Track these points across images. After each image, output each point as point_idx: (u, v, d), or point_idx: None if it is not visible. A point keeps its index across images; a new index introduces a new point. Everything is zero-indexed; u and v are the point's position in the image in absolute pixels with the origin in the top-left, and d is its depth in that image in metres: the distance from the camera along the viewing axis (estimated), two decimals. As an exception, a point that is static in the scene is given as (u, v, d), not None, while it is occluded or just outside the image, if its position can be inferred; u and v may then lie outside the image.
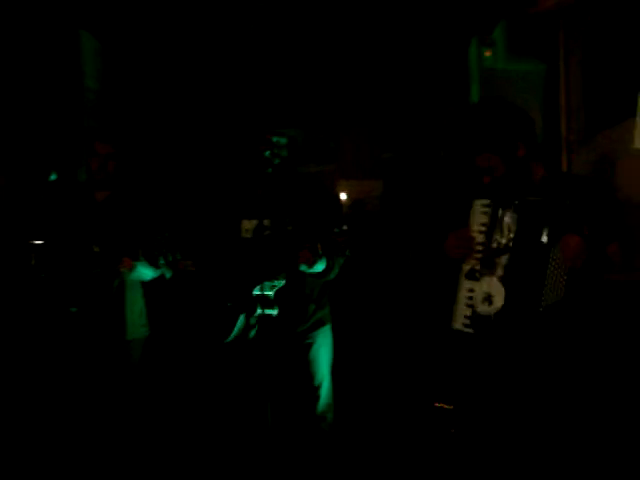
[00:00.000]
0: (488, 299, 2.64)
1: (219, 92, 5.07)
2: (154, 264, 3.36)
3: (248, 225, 3.46)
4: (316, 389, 3.50)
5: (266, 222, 3.41)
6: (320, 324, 3.53)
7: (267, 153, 3.39)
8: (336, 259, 3.26)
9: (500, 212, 2.70)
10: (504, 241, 2.69)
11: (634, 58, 3.15)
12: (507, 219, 2.68)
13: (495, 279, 2.64)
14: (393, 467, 3.77)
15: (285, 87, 5.58)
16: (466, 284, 2.75)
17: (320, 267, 3.19)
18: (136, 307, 3.73)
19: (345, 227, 3.11)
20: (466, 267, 2.75)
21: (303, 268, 3.17)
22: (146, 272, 3.49)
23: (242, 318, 3.35)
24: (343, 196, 7.82)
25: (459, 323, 2.74)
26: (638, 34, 3.14)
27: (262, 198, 3.50)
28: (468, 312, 2.71)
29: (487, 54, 5.59)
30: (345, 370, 3.85)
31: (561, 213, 2.60)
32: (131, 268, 3.44)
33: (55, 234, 3.63)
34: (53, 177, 3.81)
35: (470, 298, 2.72)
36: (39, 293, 3.59)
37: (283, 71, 5.58)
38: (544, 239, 2.60)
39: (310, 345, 3.49)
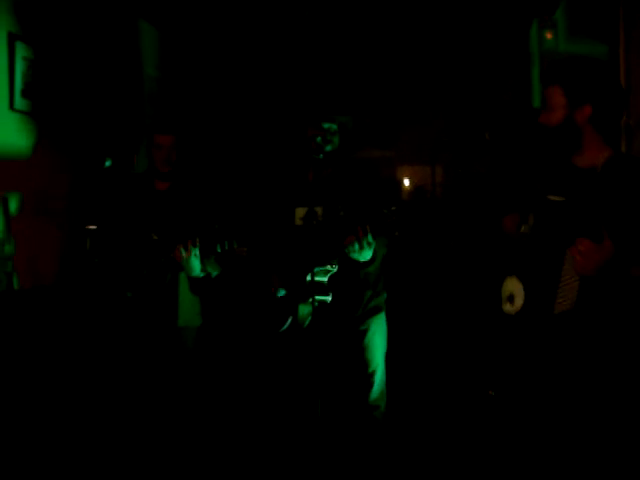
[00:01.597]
0: (510, 299, 2.59)
1: (275, 79, 5.08)
2: (209, 253, 3.39)
3: (301, 212, 3.47)
4: (370, 376, 3.50)
5: (318, 209, 3.41)
6: (376, 311, 3.53)
7: (318, 139, 3.38)
8: (382, 239, 3.21)
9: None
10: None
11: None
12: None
13: (516, 279, 2.58)
14: (443, 457, 3.75)
15: (343, 72, 5.55)
16: None
17: (368, 255, 3.17)
18: (188, 296, 3.76)
19: (394, 208, 3.06)
20: None
21: (352, 254, 3.15)
22: (195, 265, 3.46)
23: (298, 307, 3.36)
24: (405, 182, 7.75)
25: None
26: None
27: (314, 185, 3.50)
28: None
29: (548, 36, 5.47)
30: (400, 358, 3.84)
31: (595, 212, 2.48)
32: (183, 257, 3.46)
33: (110, 220, 3.68)
34: (108, 164, 3.88)
35: None
36: (94, 277, 3.65)
37: (341, 55, 5.55)
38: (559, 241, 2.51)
39: (365, 332, 3.49)
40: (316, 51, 5.50)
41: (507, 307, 2.60)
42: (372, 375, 3.52)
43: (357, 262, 3.20)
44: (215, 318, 4.04)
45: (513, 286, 2.58)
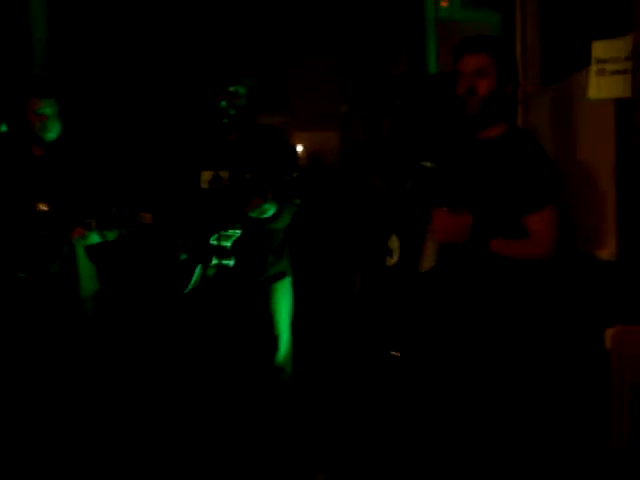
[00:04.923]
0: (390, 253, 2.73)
1: (176, 41, 4.98)
2: (107, 235, 3.33)
3: (207, 176, 3.45)
4: (275, 339, 3.53)
5: (223, 173, 3.40)
6: (280, 276, 3.56)
7: (223, 103, 3.36)
8: (286, 206, 3.26)
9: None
10: None
11: (589, 6, 3.16)
12: None
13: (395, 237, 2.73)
14: (349, 417, 3.83)
15: (237, 37, 5.49)
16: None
17: (270, 212, 3.20)
18: (86, 264, 3.67)
19: (295, 174, 3.12)
20: None
21: (254, 215, 3.18)
22: (94, 239, 3.44)
23: (199, 269, 3.35)
24: (299, 148, 7.77)
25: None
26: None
27: (220, 149, 3.48)
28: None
29: (443, 4, 5.57)
30: (305, 322, 3.88)
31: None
32: (83, 238, 3.39)
33: (6, 187, 3.53)
34: (3, 129, 3.71)
35: None
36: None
37: (234, 19, 5.49)
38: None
39: (270, 296, 3.51)
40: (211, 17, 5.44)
41: (388, 261, 2.75)
42: (277, 338, 3.55)
43: (259, 220, 3.22)
44: (113, 283, 3.98)
45: (393, 243, 2.74)
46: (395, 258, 2.70)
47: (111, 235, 3.40)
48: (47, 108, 3.46)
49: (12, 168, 3.55)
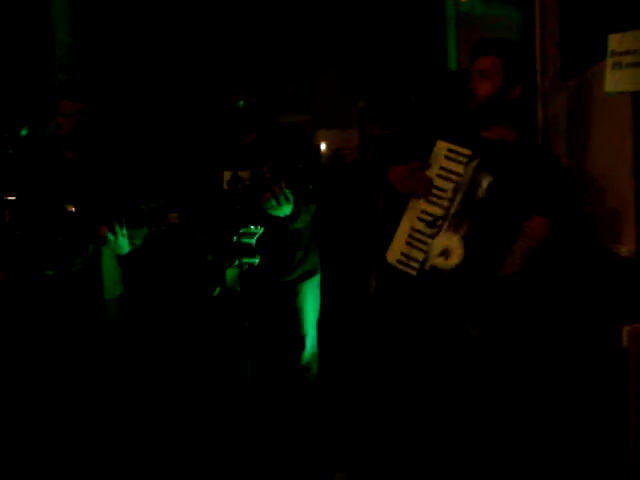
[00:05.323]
0: (445, 254, 2.66)
1: (195, 43, 5.01)
2: (135, 236, 3.33)
3: (227, 176, 3.46)
4: (302, 339, 3.54)
5: (243, 173, 3.41)
6: (309, 274, 3.56)
7: (240, 103, 3.38)
8: (303, 203, 3.24)
9: (477, 168, 2.70)
10: (474, 199, 2.68)
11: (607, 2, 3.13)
12: (483, 179, 2.68)
13: (457, 237, 2.65)
14: (374, 418, 3.83)
15: (257, 36, 5.51)
16: (415, 224, 2.76)
17: (287, 210, 3.17)
18: (111, 267, 3.69)
19: (304, 164, 3.09)
20: (417, 206, 2.76)
21: (269, 208, 3.15)
22: (124, 244, 3.37)
23: (228, 272, 3.36)
24: (322, 146, 7.77)
25: (393, 258, 2.77)
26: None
27: (240, 149, 3.51)
28: (405, 250, 2.73)
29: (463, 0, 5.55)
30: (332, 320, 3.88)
31: (533, 189, 2.60)
32: (107, 237, 3.36)
33: (28, 191, 3.56)
34: (24, 132, 3.75)
35: (412, 237, 2.73)
36: (15, 252, 3.53)
37: (253, 19, 5.51)
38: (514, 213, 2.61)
39: (297, 294, 3.52)
40: (232, 18, 5.45)
41: (439, 261, 2.67)
42: (304, 338, 3.56)
43: (280, 218, 3.22)
44: (139, 285, 4.00)
45: (450, 243, 2.67)
46: (456, 259, 2.65)
47: (139, 236, 3.40)
48: (77, 111, 3.50)
49: (41, 170, 3.60)
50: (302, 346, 3.56)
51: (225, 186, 3.46)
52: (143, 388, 4.05)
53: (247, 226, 3.28)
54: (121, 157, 3.74)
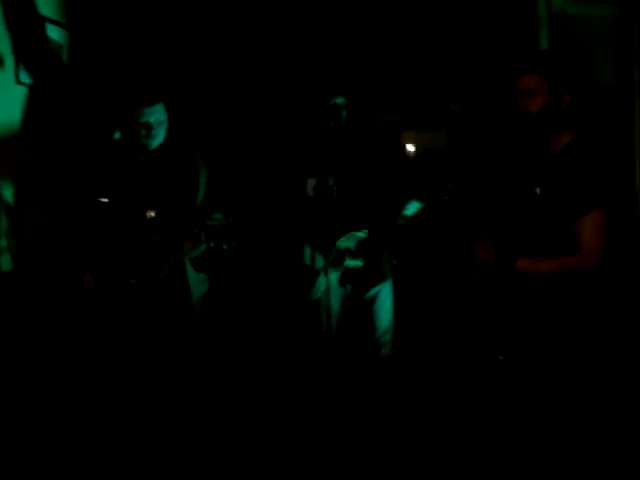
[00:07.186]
0: None
1: (278, 52, 5.02)
2: (215, 249, 3.38)
3: (313, 183, 3.48)
4: (376, 347, 3.56)
5: (329, 180, 3.42)
6: (386, 276, 3.58)
7: (323, 113, 3.40)
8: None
9: None
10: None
11: None
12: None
13: None
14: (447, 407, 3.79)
15: (343, 37, 5.49)
16: None
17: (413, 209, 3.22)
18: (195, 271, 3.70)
19: (449, 185, 3.14)
20: None
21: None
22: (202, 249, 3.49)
23: (322, 278, 3.38)
24: (410, 147, 7.72)
25: None
26: None
27: (324, 156, 3.51)
28: None
29: (556, -2, 5.43)
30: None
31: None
32: (190, 251, 3.43)
33: (115, 195, 3.61)
34: (117, 136, 3.80)
35: None
36: (105, 258, 3.59)
37: (341, 24, 5.50)
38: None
39: (374, 299, 3.53)
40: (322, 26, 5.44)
41: None
42: (377, 345, 3.58)
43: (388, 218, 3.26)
44: (224, 286, 4.02)
45: None
46: None
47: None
48: (152, 116, 3.48)
49: (122, 175, 3.65)
50: (376, 352, 3.58)
51: (309, 193, 3.48)
52: (223, 386, 4.07)
53: (355, 231, 3.32)
54: (197, 161, 3.70)
